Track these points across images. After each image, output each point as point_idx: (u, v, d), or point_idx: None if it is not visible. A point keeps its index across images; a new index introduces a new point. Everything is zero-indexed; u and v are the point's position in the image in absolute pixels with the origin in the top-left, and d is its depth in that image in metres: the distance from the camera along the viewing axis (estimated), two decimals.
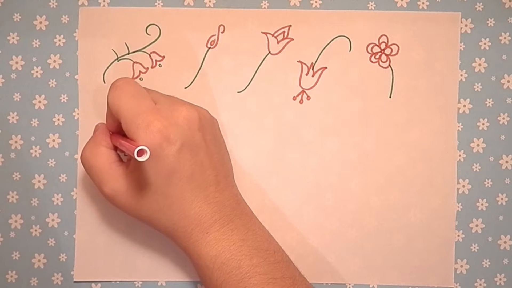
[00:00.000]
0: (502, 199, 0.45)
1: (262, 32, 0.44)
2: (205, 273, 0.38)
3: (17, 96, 0.44)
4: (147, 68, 0.44)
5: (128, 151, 0.36)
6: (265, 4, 0.45)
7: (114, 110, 0.39)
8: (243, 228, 0.39)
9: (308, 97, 0.45)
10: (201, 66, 0.44)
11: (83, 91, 0.44)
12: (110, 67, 0.44)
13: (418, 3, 0.45)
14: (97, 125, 0.42)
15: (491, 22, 0.45)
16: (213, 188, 0.39)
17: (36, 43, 0.44)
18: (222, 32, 0.44)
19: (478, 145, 0.45)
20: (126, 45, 0.44)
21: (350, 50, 0.45)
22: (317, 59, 0.45)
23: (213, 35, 0.44)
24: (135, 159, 0.34)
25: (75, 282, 0.44)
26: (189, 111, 0.39)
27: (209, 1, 0.44)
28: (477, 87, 0.45)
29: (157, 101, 0.39)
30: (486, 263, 0.45)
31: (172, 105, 0.39)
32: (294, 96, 0.45)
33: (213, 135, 0.40)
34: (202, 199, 0.38)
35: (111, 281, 0.44)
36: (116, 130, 0.41)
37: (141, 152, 0.34)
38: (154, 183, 0.38)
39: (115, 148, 0.41)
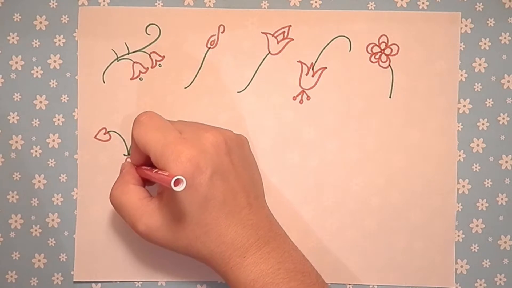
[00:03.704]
0: (502, 199, 0.45)
1: (262, 32, 0.44)
2: None
3: (17, 96, 0.44)
4: (147, 68, 0.44)
5: (163, 182, 0.35)
6: (265, 4, 0.45)
7: (142, 145, 0.39)
8: (279, 250, 0.38)
9: (308, 97, 0.45)
10: (201, 66, 0.44)
11: (82, 91, 0.44)
12: (109, 67, 0.44)
13: (418, 3, 0.45)
14: (123, 164, 0.42)
15: (491, 22, 0.45)
16: (246, 211, 0.38)
17: (36, 43, 0.44)
18: (222, 32, 0.44)
19: (478, 145, 0.45)
20: (126, 45, 0.44)
21: (350, 50, 0.45)
22: (317, 59, 0.45)
23: (213, 35, 0.44)
24: (172, 189, 0.33)
25: (75, 282, 0.44)
26: (215, 136, 0.38)
27: (209, 1, 0.44)
28: (477, 87, 0.45)
29: (182, 131, 0.39)
30: (486, 263, 0.45)
31: (197, 133, 0.39)
32: (294, 96, 0.45)
33: (240, 156, 0.40)
34: (237, 223, 0.38)
35: (111, 281, 0.44)
36: (143, 164, 0.41)
37: (177, 182, 0.34)
38: (189, 213, 0.37)
39: (144, 185, 0.41)
